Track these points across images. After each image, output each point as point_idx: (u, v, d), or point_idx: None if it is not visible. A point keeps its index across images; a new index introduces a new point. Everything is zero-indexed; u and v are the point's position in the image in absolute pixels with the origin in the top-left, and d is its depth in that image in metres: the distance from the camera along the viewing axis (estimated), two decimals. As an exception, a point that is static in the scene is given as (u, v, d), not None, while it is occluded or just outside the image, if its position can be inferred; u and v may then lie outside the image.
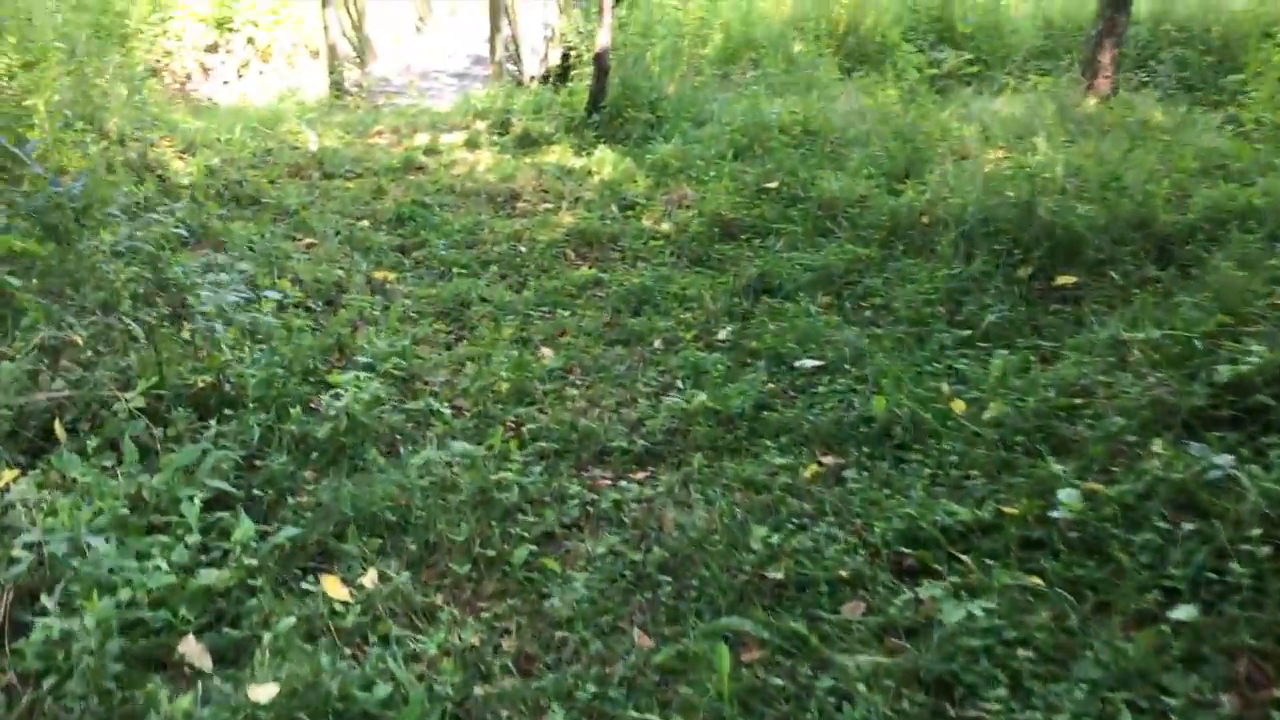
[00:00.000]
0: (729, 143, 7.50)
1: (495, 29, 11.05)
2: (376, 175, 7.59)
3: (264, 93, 15.12)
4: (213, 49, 15.43)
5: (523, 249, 6.33)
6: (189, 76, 15.34)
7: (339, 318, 5.14)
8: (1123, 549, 3.46)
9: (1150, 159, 6.40)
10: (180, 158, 7.62)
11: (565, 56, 13.24)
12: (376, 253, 6.18)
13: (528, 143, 8.32)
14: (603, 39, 8.31)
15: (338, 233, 6.34)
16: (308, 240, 6.24)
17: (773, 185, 6.68)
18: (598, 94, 8.40)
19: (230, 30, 15.37)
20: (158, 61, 15.05)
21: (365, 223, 6.62)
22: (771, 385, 4.70)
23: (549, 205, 6.99)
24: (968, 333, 4.98)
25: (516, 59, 11.94)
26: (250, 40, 15.37)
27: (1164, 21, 12.05)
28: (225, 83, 15.52)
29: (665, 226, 6.57)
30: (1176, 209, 5.93)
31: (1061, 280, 5.43)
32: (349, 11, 11.97)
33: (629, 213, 6.81)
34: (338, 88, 10.99)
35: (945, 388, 4.47)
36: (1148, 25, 11.96)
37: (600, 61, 8.33)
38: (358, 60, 12.26)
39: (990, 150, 7.16)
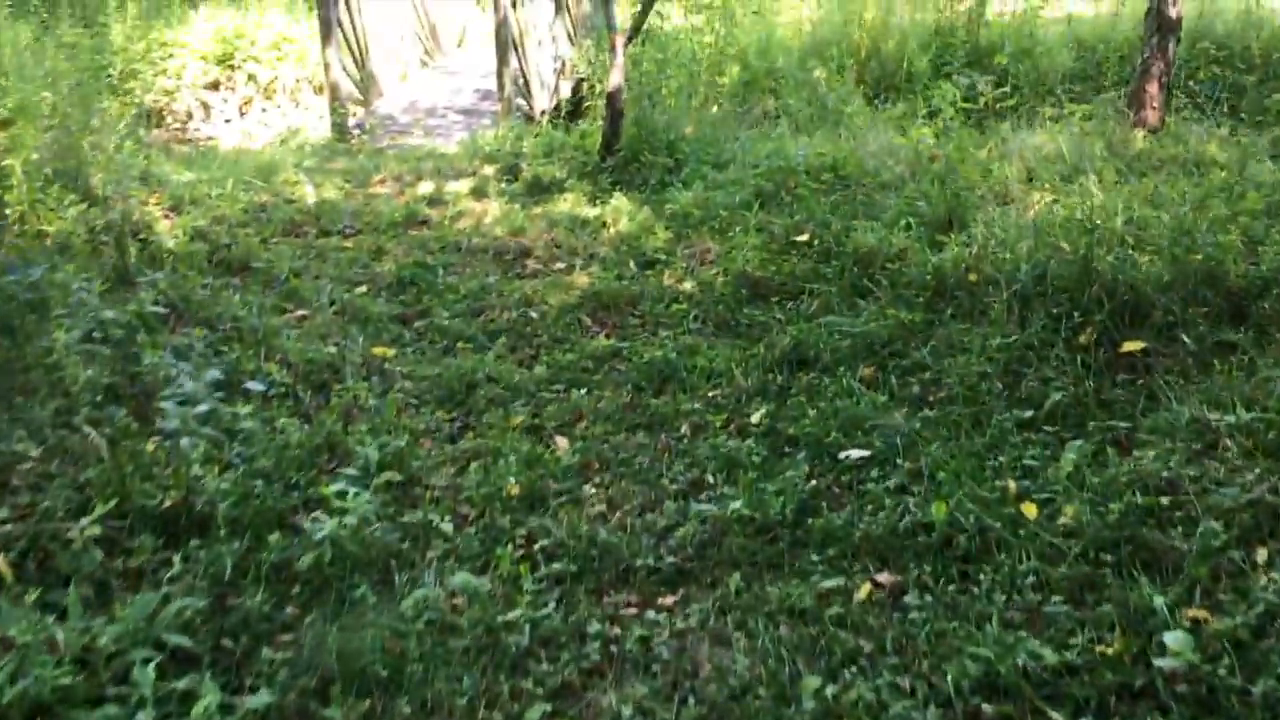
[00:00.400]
0: (753, 189, 6.99)
1: (503, 63, 10.60)
2: (377, 231, 7.10)
3: (267, 131, 14.75)
4: (214, 87, 15.05)
5: (534, 315, 5.84)
6: (190, 116, 14.97)
7: (330, 409, 4.65)
8: (1240, 701, 2.93)
9: (1215, 203, 5.87)
10: (168, 216, 7.15)
11: (576, 88, 12.81)
12: (374, 324, 5.69)
13: (538, 190, 7.83)
14: (615, 79, 7.83)
15: (332, 302, 5.86)
16: (300, 312, 5.76)
17: (803, 238, 6.17)
18: (611, 137, 7.92)
19: (232, 67, 15.01)
20: (156, 101, 14.69)
21: (363, 288, 6.14)
22: (814, 482, 4.18)
23: (561, 264, 6.49)
24: (1030, 414, 4.45)
25: (526, 93, 11.49)
26: (252, 77, 14.99)
27: (1202, 39, 11.50)
28: (228, 121, 15.14)
29: (688, 286, 6.07)
30: (1245, 259, 5.40)
31: (1128, 346, 4.89)
32: (351, 49, 11.54)
33: (648, 271, 6.31)
34: (339, 130, 10.54)
35: (1012, 486, 3.94)
36: (1185, 43, 11.41)
37: (613, 102, 7.84)
38: (361, 99, 11.82)
39: (1035, 193, 6.64)
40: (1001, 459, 4.13)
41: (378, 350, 5.36)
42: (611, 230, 6.95)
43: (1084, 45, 11.70)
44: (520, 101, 11.40)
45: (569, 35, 12.81)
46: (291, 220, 7.24)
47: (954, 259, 5.57)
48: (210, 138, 14.96)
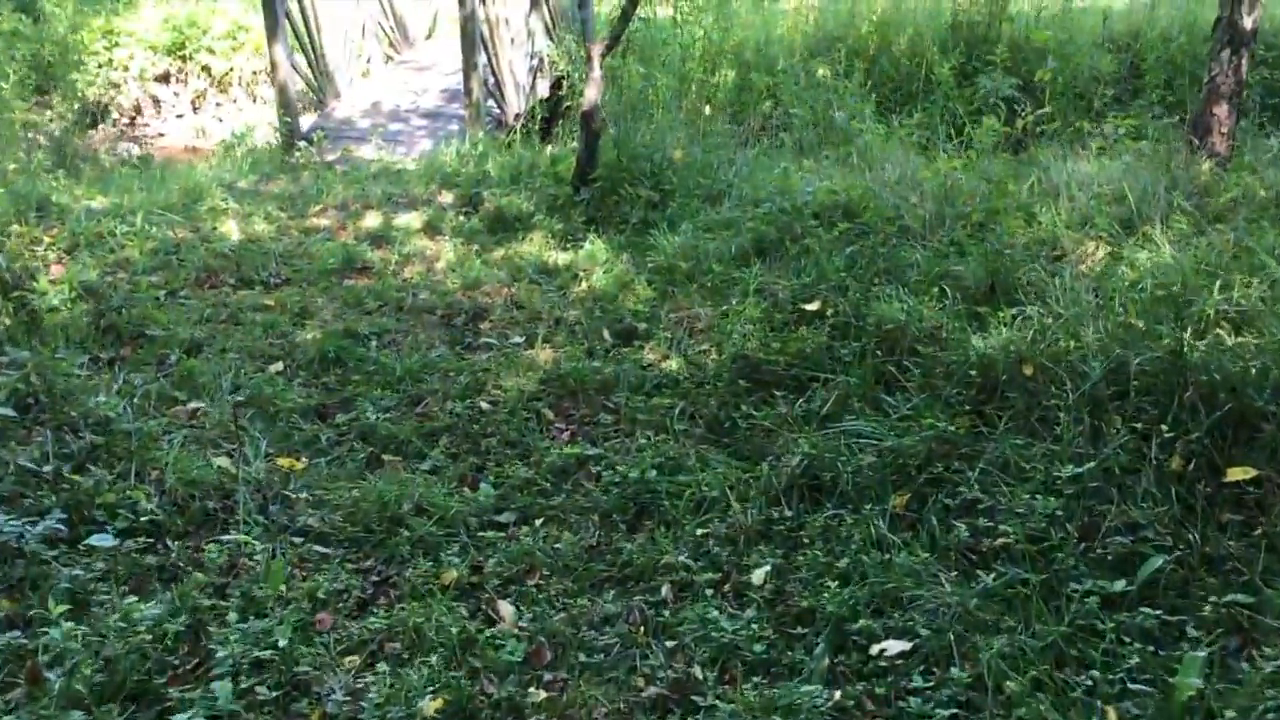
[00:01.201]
0: (752, 236, 5.89)
1: (470, 65, 9.44)
2: (307, 282, 6.00)
3: (221, 126, 13.60)
4: (164, 79, 13.91)
5: (484, 407, 4.74)
6: (139, 110, 13.84)
7: (205, 568, 3.57)
8: None
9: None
10: (60, 261, 6.05)
11: (555, 86, 11.67)
12: (285, 420, 4.59)
13: (501, 226, 6.72)
14: (591, 95, 6.70)
15: (236, 388, 4.76)
16: (193, 405, 4.66)
17: (813, 307, 5.09)
18: (586, 163, 6.79)
19: (184, 58, 13.85)
20: (101, 95, 13.54)
21: (277, 367, 5.04)
22: (838, 693, 3.11)
23: (521, 334, 5.38)
24: (1121, 585, 3.38)
25: (498, 96, 10.34)
26: (206, 69, 13.86)
27: (1247, 39, 10.38)
28: (179, 116, 14.01)
29: (673, 365, 4.98)
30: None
31: (1234, 474, 3.82)
32: (304, 45, 10.36)
33: (625, 346, 5.21)
34: (286, 140, 9.39)
35: (1113, 717, 2.88)
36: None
37: (588, 123, 6.71)
38: (316, 100, 10.66)
39: (1090, 244, 5.56)
40: (1094, 672, 3.06)
41: (284, 461, 4.26)
42: (583, 285, 5.85)
43: (1118, 42, 10.58)
44: (491, 104, 10.26)
45: (547, 29, 11.64)
46: (207, 266, 6.13)
47: (1002, 345, 4.49)
48: (160, 134, 13.83)
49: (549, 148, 10.89)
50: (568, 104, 11.23)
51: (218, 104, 13.95)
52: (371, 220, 6.94)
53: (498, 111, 10.41)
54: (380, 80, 11.56)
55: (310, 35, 10.38)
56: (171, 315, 5.48)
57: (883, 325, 4.83)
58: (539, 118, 10.60)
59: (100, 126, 13.40)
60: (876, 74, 10.63)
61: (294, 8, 10.08)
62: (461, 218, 6.92)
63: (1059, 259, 5.38)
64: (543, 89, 11.44)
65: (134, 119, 13.83)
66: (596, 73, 6.68)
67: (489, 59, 10.00)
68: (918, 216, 5.88)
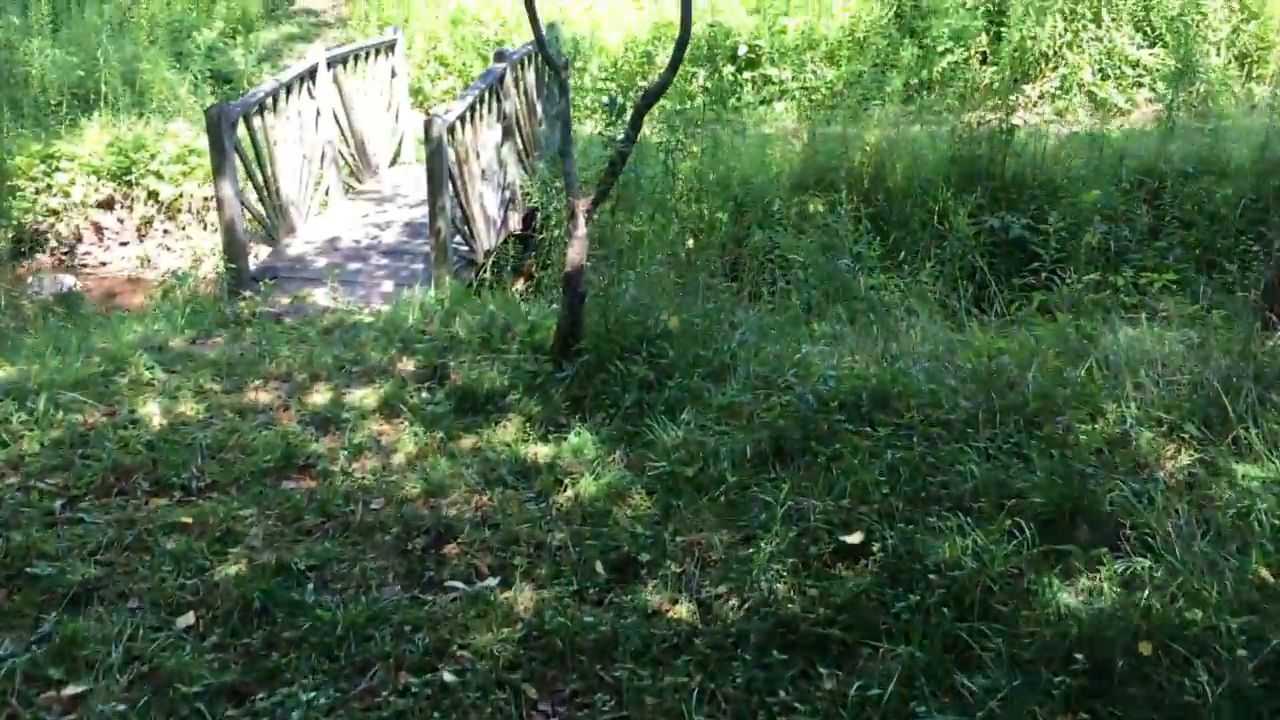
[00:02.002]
0: (769, 433, 4.97)
1: (436, 205, 8.59)
2: (237, 487, 5.00)
3: (168, 256, 12.74)
4: (108, 205, 13.00)
5: (447, 680, 3.73)
6: (79, 239, 12.89)
7: None
8: None
9: None
10: (-60, 461, 5.03)
11: (528, 219, 10.91)
12: (189, 709, 3.56)
13: (470, 407, 5.76)
14: (575, 255, 5.84)
15: (133, 659, 3.73)
16: (71, 689, 3.62)
17: (855, 539, 4.16)
18: (570, 333, 5.89)
19: (129, 183, 12.98)
20: (39, 223, 12.63)
21: (189, 620, 4.02)
22: None
23: (495, 565, 4.39)
24: None
25: (468, 233, 9.49)
26: (153, 195, 12.97)
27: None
28: (124, 244, 13.08)
29: (684, 612, 4.02)
30: None
31: None
32: (255, 177, 9.49)
33: (624, 587, 4.22)
34: (232, 286, 8.47)
35: None
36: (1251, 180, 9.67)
37: (572, 285, 5.83)
38: (268, 238, 9.77)
39: (1171, 446, 4.70)
40: None
41: (182, 781, 3.23)
42: (568, 492, 4.89)
43: (1132, 179, 9.95)
44: (459, 240, 9.40)
45: (520, 158, 10.88)
46: (118, 465, 5.12)
47: (1108, 615, 3.57)
48: (102, 263, 12.90)
49: (520, 283, 10.09)
50: (541, 236, 10.45)
51: (165, 231, 13.05)
52: (319, 396, 5.99)
53: (465, 249, 9.55)
54: (339, 213, 10.69)
55: (263, 167, 9.53)
56: (64, 540, 4.46)
57: (944, 569, 3.90)
58: (511, 256, 9.79)
59: (37, 256, 12.47)
60: (873, 208, 9.93)
61: (244, 134, 9.25)
62: (425, 394, 5.97)
63: (1141, 471, 4.51)
64: (515, 223, 10.64)
65: (73, 247, 12.88)
66: (581, 230, 5.82)
67: (457, 192, 9.18)
68: (960, 407, 5.01)
